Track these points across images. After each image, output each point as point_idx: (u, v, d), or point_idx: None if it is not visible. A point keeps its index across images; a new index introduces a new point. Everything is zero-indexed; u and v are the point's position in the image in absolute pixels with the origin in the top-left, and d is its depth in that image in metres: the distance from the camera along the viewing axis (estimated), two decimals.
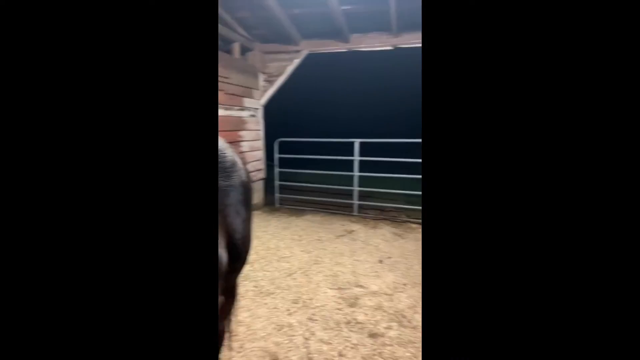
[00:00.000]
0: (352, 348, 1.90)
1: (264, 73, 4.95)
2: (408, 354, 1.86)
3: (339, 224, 4.33)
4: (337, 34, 4.41)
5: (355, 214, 4.74)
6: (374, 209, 4.88)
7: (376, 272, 2.91)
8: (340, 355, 1.84)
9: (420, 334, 2.03)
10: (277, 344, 1.93)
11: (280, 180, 5.24)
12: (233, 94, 4.34)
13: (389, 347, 1.91)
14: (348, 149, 4.78)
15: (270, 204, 5.27)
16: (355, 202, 4.79)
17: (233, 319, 1.37)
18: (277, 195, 5.27)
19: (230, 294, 1.28)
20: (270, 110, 5.23)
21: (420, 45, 4.28)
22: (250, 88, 4.71)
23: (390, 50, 4.53)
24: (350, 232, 4.03)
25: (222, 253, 1.01)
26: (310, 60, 4.92)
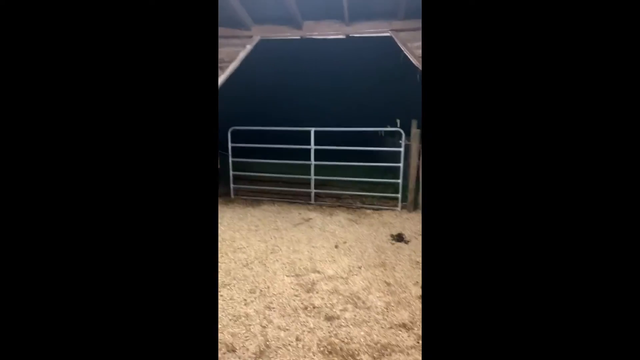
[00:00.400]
0: (309, 332, 1.95)
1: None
2: (362, 333, 1.95)
3: (296, 213, 4.35)
4: (290, 21, 4.34)
5: (312, 202, 4.79)
6: (331, 197, 4.96)
7: (332, 257, 2.99)
8: (298, 339, 1.88)
9: (373, 314, 2.14)
10: (233, 334, 1.91)
11: (234, 170, 5.10)
12: None
13: (344, 328, 1.99)
14: (303, 137, 4.77)
15: (224, 195, 5.13)
16: (312, 190, 4.83)
17: None
18: (231, 185, 5.13)
19: None
20: (222, 97, 5.02)
21: (373, 34, 4.36)
22: None
23: (343, 39, 4.55)
24: (308, 220, 4.07)
25: None
26: (264, 47, 4.79)
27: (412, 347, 1.83)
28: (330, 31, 4.46)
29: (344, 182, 5.18)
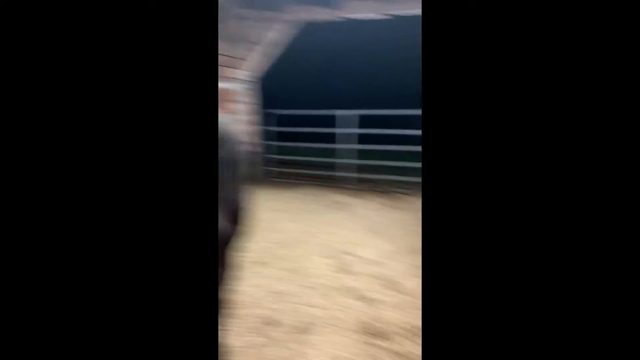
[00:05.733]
0: (347, 312, 1.99)
1: (250, 42, 4.81)
2: (398, 316, 1.95)
3: (332, 196, 4.38)
4: (326, 1, 4.25)
5: (349, 186, 4.79)
6: (368, 181, 4.91)
7: (367, 241, 2.99)
8: (337, 319, 1.93)
9: (409, 298, 2.13)
10: (273, 310, 2.01)
11: (276, 154, 5.23)
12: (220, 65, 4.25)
13: (381, 311, 2.00)
14: (345, 121, 4.75)
15: (262, 178, 5.29)
16: (350, 174, 4.83)
17: (228, 288, 1.43)
18: (269, 169, 5.28)
19: (224, 264, 1.32)
20: (266, 81, 5.13)
21: (418, 14, 4.14)
22: (236, 58, 4.59)
23: (385, 19, 4.38)
24: (343, 204, 4.09)
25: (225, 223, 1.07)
26: (305, 30, 4.76)
27: None
28: (368, 10, 4.31)
29: (383, 167, 5.09)
